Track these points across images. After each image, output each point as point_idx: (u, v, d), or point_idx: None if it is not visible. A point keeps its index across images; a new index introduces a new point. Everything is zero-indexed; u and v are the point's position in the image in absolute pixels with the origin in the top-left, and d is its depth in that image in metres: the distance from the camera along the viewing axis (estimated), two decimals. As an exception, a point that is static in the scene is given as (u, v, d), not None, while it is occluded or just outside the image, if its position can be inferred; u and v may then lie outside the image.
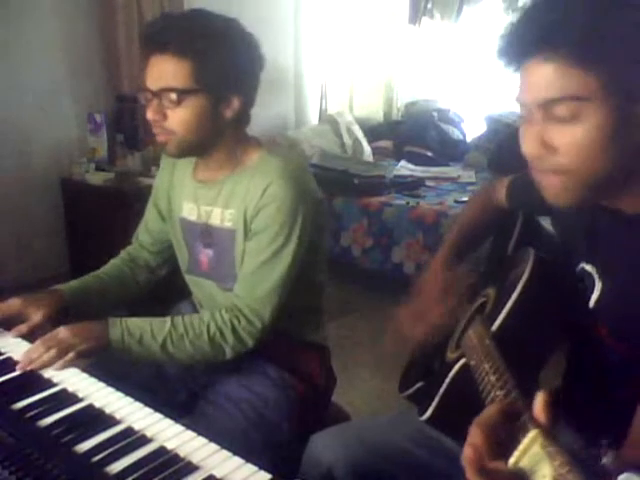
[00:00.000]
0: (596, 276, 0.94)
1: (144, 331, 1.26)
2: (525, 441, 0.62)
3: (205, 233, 1.41)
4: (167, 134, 1.29)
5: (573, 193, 0.85)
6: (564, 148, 0.81)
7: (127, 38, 3.41)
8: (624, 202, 0.89)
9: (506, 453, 0.64)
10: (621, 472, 0.54)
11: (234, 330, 1.28)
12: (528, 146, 0.84)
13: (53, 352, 1.18)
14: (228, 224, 1.37)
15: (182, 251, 1.50)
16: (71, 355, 1.19)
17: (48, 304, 1.35)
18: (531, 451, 0.61)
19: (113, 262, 1.59)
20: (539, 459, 0.60)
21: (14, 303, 1.34)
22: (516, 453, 0.63)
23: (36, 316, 1.32)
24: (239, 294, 1.33)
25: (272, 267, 1.30)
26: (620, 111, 0.79)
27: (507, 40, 0.85)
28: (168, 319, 1.30)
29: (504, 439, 0.65)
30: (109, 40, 3.41)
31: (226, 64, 1.26)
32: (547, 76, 0.80)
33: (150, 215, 1.57)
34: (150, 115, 1.28)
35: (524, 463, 0.61)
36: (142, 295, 1.60)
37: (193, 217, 1.43)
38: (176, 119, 1.27)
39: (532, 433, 0.62)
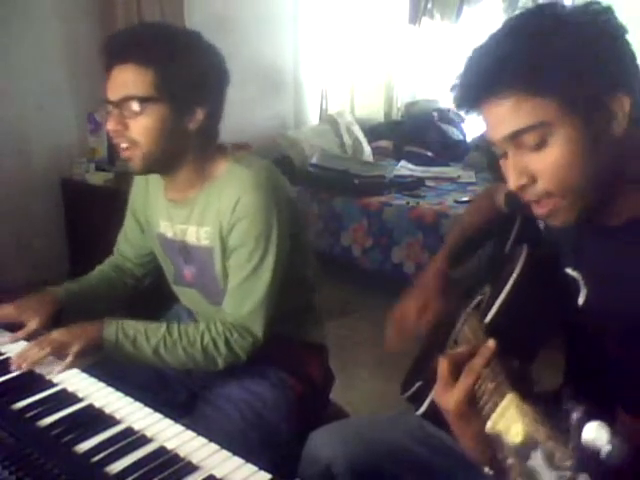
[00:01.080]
0: (581, 282, 0.96)
1: (138, 332, 1.26)
2: (502, 404, 0.66)
3: (183, 251, 1.40)
4: (130, 146, 1.26)
5: (563, 213, 0.87)
6: (542, 173, 0.84)
7: (127, 38, 3.41)
8: (603, 214, 0.91)
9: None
10: (586, 422, 0.57)
11: (227, 342, 1.28)
12: (511, 179, 0.87)
13: (46, 350, 1.18)
14: (205, 242, 1.35)
15: (167, 264, 1.49)
16: (70, 358, 1.19)
17: (43, 310, 1.35)
18: (507, 413, 0.65)
19: (100, 268, 1.59)
20: (513, 419, 0.63)
21: (9, 312, 1.34)
22: (494, 416, 0.67)
23: (32, 324, 1.32)
24: (227, 311, 1.32)
25: (254, 282, 1.29)
26: (583, 127, 0.81)
27: (460, 89, 0.89)
28: (164, 324, 1.30)
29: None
30: (109, 40, 3.41)
31: (188, 74, 1.24)
32: (506, 111, 0.83)
33: (129, 227, 1.56)
34: (111, 125, 1.25)
35: (500, 426, 0.65)
36: (131, 297, 1.59)
37: (170, 234, 1.42)
38: (138, 128, 1.24)
39: (508, 397, 0.66)
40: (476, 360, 0.79)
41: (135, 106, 1.23)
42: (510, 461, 0.61)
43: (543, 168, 0.83)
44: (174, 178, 1.35)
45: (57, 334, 1.23)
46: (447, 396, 0.79)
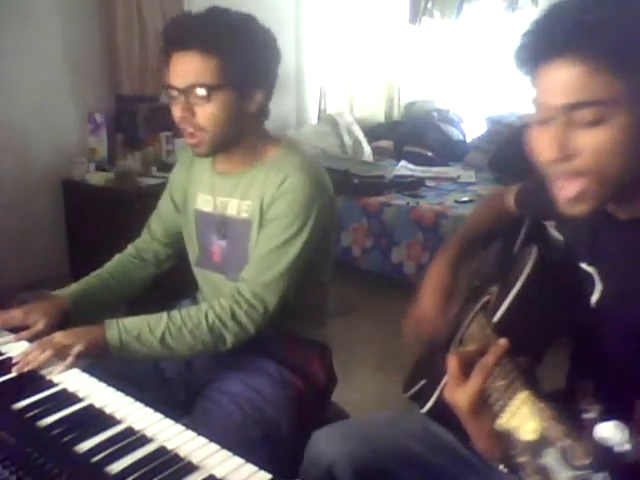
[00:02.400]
0: (597, 277, 0.95)
1: (141, 328, 1.26)
2: (515, 402, 0.66)
3: (220, 224, 1.43)
4: (197, 132, 1.30)
5: (590, 198, 0.84)
6: (586, 152, 0.80)
7: (127, 38, 3.41)
8: (620, 208, 0.90)
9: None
10: (602, 422, 0.57)
11: (234, 316, 1.28)
12: (547, 150, 0.82)
13: (49, 352, 1.18)
14: (244, 215, 1.38)
15: (193, 244, 1.50)
16: (70, 359, 1.18)
17: (50, 313, 1.35)
18: (520, 411, 0.65)
19: (118, 258, 1.59)
20: (527, 417, 0.63)
21: (16, 315, 1.34)
22: (506, 414, 0.67)
23: (38, 325, 1.32)
24: (245, 278, 1.33)
25: (281, 254, 1.31)
26: None
27: (533, 37, 0.83)
28: (164, 313, 1.29)
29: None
30: (109, 40, 3.41)
31: (250, 60, 1.29)
32: (575, 78, 0.79)
33: (165, 206, 1.58)
34: (179, 112, 1.29)
35: (513, 423, 0.65)
36: (145, 291, 1.60)
37: (209, 208, 1.45)
38: (205, 115, 1.28)
39: (522, 395, 0.66)
40: (488, 358, 0.78)
41: (202, 93, 1.26)
42: (523, 458, 0.61)
43: (589, 147, 0.80)
44: (229, 154, 1.40)
45: (59, 336, 1.22)
46: (459, 393, 0.79)
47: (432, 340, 1.19)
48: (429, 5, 4.67)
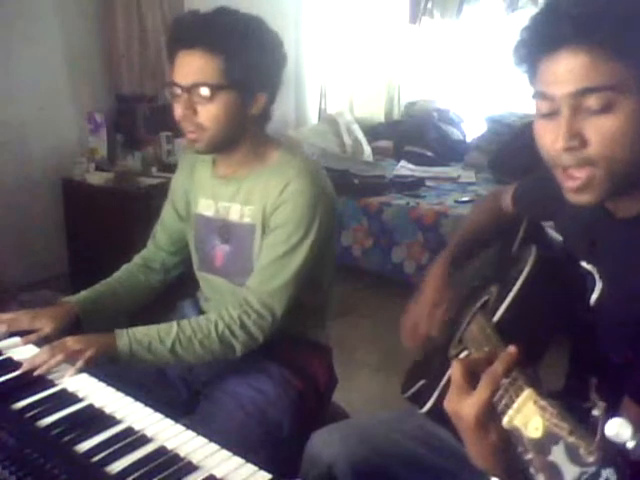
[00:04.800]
0: (597, 276, 0.95)
1: (152, 338, 1.26)
2: (519, 400, 0.66)
3: (223, 229, 1.43)
4: (197, 130, 1.30)
5: (598, 187, 0.83)
6: (597, 139, 0.80)
7: (127, 38, 3.41)
8: (619, 205, 0.90)
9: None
10: (609, 419, 0.56)
11: (243, 326, 1.29)
12: (556, 140, 0.82)
13: (59, 357, 1.17)
14: (247, 220, 1.38)
15: (197, 248, 1.50)
16: (80, 363, 1.17)
17: (58, 318, 1.34)
18: (525, 409, 0.65)
19: (126, 267, 1.58)
20: (532, 414, 0.63)
21: (23, 319, 1.32)
22: (510, 412, 0.66)
23: (45, 329, 1.30)
24: (252, 286, 1.33)
25: (287, 262, 1.31)
26: None
27: (534, 31, 0.84)
28: (174, 323, 1.30)
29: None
30: (109, 40, 3.41)
31: (255, 61, 1.29)
32: (581, 66, 0.79)
33: (168, 216, 1.58)
34: (180, 110, 1.29)
35: (518, 421, 0.65)
36: (154, 298, 1.59)
37: (210, 213, 1.44)
38: (207, 114, 1.28)
39: (526, 392, 0.66)
40: (497, 366, 0.73)
41: (205, 93, 1.27)
42: (529, 456, 0.60)
43: (599, 134, 0.80)
44: (229, 156, 1.40)
45: (70, 341, 1.21)
46: (465, 404, 0.73)
47: (429, 340, 1.20)
48: (429, 5, 4.67)
